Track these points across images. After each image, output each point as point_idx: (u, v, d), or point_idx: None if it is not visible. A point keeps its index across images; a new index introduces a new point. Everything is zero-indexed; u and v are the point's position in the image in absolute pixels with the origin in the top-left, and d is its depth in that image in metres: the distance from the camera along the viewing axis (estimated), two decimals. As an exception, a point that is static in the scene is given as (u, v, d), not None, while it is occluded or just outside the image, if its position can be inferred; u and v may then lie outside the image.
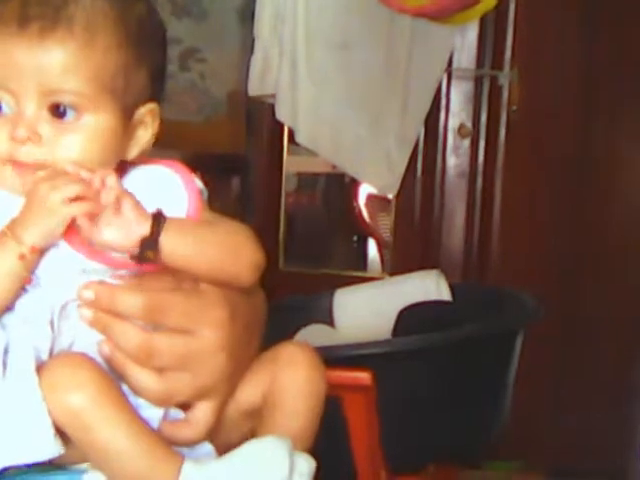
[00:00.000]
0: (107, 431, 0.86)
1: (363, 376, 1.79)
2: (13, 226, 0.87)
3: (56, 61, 0.87)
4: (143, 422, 0.89)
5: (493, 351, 2.06)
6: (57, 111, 0.89)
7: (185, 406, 0.95)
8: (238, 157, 3.34)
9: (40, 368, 0.87)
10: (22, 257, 0.87)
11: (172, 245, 0.89)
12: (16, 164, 0.89)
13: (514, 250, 3.15)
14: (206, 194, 0.98)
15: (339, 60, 3.00)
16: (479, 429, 2.08)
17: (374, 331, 2.19)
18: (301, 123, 3.01)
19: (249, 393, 0.98)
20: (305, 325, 2.26)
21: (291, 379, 0.98)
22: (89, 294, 0.89)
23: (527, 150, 3.16)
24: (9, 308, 0.89)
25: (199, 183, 0.97)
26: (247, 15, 3.19)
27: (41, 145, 0.89)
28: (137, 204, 0.89)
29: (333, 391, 1.79)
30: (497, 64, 3.15)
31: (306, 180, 3.49)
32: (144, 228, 0.88)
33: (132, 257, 0.89)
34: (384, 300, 2.27)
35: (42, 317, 0.89)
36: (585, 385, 3.11)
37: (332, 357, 1.88)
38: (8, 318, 0.89)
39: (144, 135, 0.95)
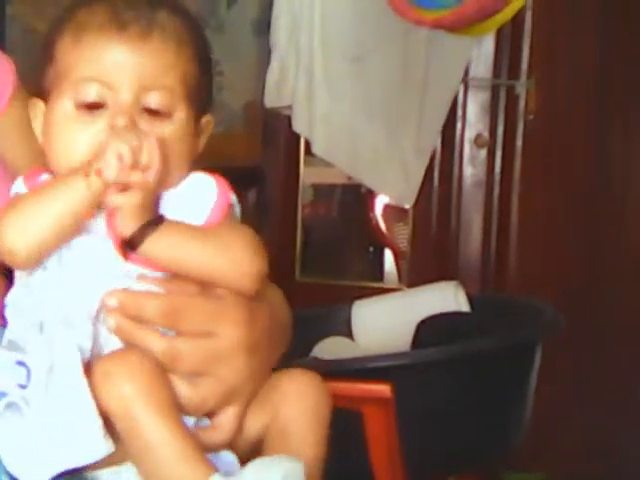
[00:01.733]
0: (152, 425, 0.89)
1: (383, 388, 1.78)
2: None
3: (155, 61, 0.95)
4: (186, 425, 0.91)
5: (512, 362, 2.06)
6: (153, 106, 0.95)
7: (209, 414, 0.96)
8: (255, 168, 3.34)
9: (86, 368, 0.89)
10: (86, 174, 0.91)
11: (155, 249, 0.92)
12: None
13: (532, 259, 3.14)
14: (238, 211, 1.00)
15: (355, 71, 3.00)
16: (499, 440, 2.07)
17: (393, 343, 2.18)
18: (317, 134, 3.01)
19: (255, 423, 0.98)
20: (323, 337, 2.26)
21: (299, 410, 0.98)
22: (113, 302, 0.92)
23: (544, 159, 3.15)
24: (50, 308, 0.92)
25: (233, 198, 0.99)
26: (263, 27, 3.19)
27: (136, 134, 0.93)
28: (136, 207, 0.92)
29: (352, 404, 1.80)
30: (514, 73, 3.14)
31: (322, 191, 3.48)
32: (130, 227, 0.92)
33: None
34: (403, 312, 2.26)
35: (83, 317, 0.92)
36: (606, 395, 3.09)
37: (351, 370, 1.89)
38: (47, 319, 0.92)
39: (201, 143, 1.01)
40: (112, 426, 0.90)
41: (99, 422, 0.88)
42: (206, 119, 1.00)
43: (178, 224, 0.95)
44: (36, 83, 1.03)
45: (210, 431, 0.95)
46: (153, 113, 0.95)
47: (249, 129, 3.39)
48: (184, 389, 0.93)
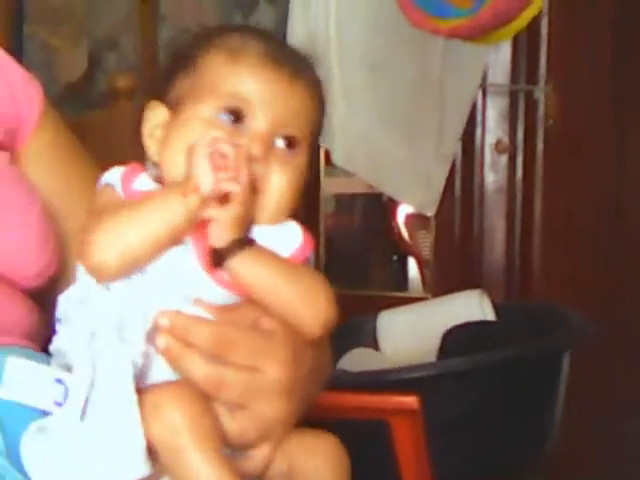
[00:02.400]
0: (197, 457, 0.89)
1: (410, 400, 1.77)
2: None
3: (297, 103, 0.99)
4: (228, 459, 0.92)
5: (540, 370, 2.04)
6: (281, 145, 0.98)
7: (243, 449, 0.97)
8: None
9: (138, 386, 0.90)
10: (184, 194, 0.91)
11: (241, 268, 0.93)
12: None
13: (556, 264, 3.12)
14: (312, 261, 1.01)
15: (373, 80, 3.00)
16: (527, 449, 2.06)
17: (419, 353, 2.18)
18: (337, 144, 3.01)
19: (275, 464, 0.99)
20: (349, 349, 2.25)
21: (323, 465, 0.99)
22: (165, 322, 0.93)
23: (565, 163, 3.13)
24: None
25: (311, 253, 1.01)
26: (279, 38, 3.20)
27: (262, 164, 0.96)
28: (234, 219, 0.93)
29: (380, 416, 1.78)
30: (532, 78, 3.13)
31: (344, 201, 3.48)
32: (222, 240, 0.93)
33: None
34: (428, 322, 2.26)
35: (138, 333, 0.92)
36: (636, 402, 3.07)
37: (378, 382, 1.88)
38: (99, 331, 0.92)
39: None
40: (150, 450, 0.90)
41: (144, 442, 0.88)
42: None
43: (268, 251, 0.96)
44: (157, 86, 1.03)
45: (245, 461, 0.96)
46: (289, 146, 0.99)
47: (268, 141, 3.40)
48: (225, 421, 0.94)
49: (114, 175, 0.98)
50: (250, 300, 0.96)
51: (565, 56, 3.11)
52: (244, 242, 0.94)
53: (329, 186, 3.33)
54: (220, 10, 3.42)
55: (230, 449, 0.95)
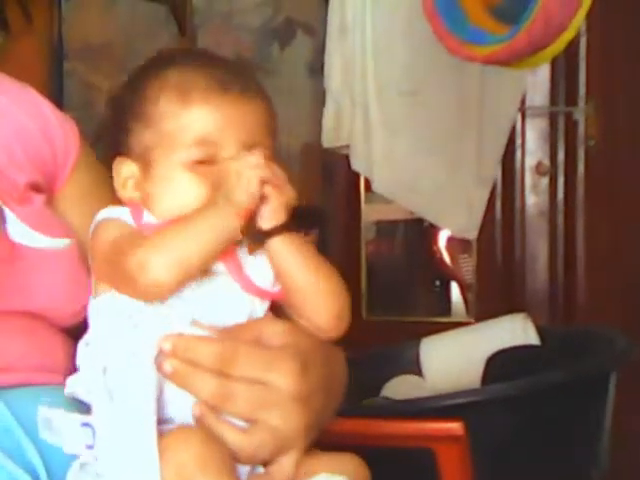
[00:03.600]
0: None
1: (455, 426, 1.76)
2: (221, 196, 0.97)
3: (255, 119, 1.01)
4: None
5: (585, 394, 2.02)
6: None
7: (264, 463, 0.97)
8: (315, 209, 3.35)
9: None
10: (238, 214, 0.96)
11: (281, 249, 0.98)
12: None
13: (601, 287, 3.10)
14: None
15: (411, 107, 3.00)
16: (577, 475, 2.04)
17: (463, 379, 2.16)
18: (377, 172, 3.01)
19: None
20: (393, 376, 2.24)
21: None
22: (167, 346, 0.94)
23: (607, 184, 3.11)
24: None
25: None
26: (317, 68, 3.21)
27: None
28: (281, 203, 0.98)
29: (425, 443, 1.78)
30: (571, 99, 3.12)
31: (385, 228, 3.48)
32: (271, 220, 0.97)
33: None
34: (471, 347, 2.24)
35: (147, 362, 0.94)
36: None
37: (423, 408, 1.87)
38: (110, 364, 0.93)
39: None
40: None
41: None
42: None
43: (303, 240, 1.00)
44: (114, 140, 1.04)
45: (267, 478, 0.97)
46: None
47: (308, 170, 3.41)
48: (238, 438, 0.94)
49: (117, 210, 1.01)
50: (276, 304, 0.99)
51: (604, 76, 3.10)
52: (287, 226, 0.98)
53: (370, 213, 3.33)
54: (257, 42, 3.45)
55: (250, 465, 0.96)
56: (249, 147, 1.00)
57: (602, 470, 2.04)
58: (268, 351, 0.97)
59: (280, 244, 0.98)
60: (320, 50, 3.11)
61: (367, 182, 3.11)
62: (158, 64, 1.04)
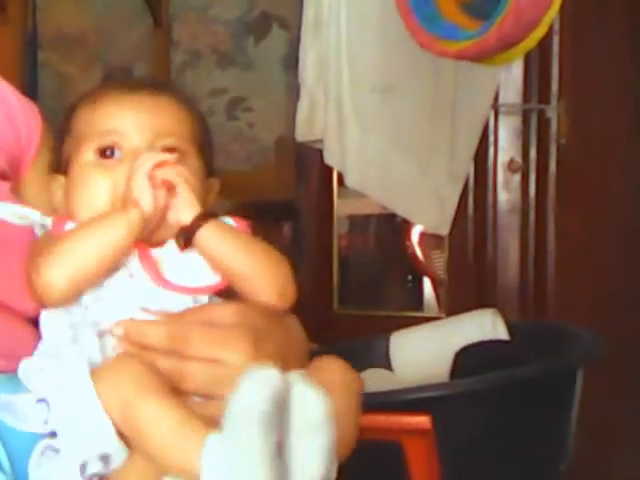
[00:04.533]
0: (145, 404, 0.92)
1: (422, 420, 1.77)
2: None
3: (166, 115, 1.04)
4: (177, 400, 0.93)
5: (552, 390, 2.04)
6: (168, 145, 1.03)
7: None
8: (288, 203, 3.36)
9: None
10: (125, 208, 0.98)
11: (210, 238, 0.99)
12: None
13: (571, 284, 3.12)
14: None
15: (385, 102, 3.01)
16: (542, 469, 2.05)
17: (432, 373, 2.17)
18: (350, 166, 3.02)
19: None
20: (362, 369, 2.25)
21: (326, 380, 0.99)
22: (119, 331, 0.97)
23: (579, 182, 3.13)
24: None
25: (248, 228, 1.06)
26: (291, 62, 3.22)
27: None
28: (191, 195, 1.00)
29: (392, 436, 1.78)
30: (544, 97, 3.13)
31: (358, 222, 3.48)
32: (186, 217, 0.99)
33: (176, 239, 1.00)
34: (440, 342, 2.25)
35: (91, 335, 0.98)
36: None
37: (390, 402, 1.88)
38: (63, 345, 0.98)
39: (209, 200, 1.08)
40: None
41: (108, 421, 0.91)
42: (212, 180, 1.09)
43: (229, 224, 1.02)
44: (54, 161, 1.09)
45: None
46: (169, 151, 1.02)
47: (281, 163, 3.41)
48: (199, 410, 0.96)
49: (48, 220, 1.05)
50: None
51: (577, 74, 3.11)
52: (207, 215, 1.00)
53: (343, 207, 3.34)
54: (233, 35, 3.45)
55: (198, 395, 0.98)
56: (162, 136, 1.03)
57: (568, 465, 2.06)
58: (219, 330, 0.98)
59: (206, 234, 0.99)
60: (295, 44, 3.12)
61: (340, 176, 3.11)
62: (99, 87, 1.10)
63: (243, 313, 1.00)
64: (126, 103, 1.04)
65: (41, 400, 0.94)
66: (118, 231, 0.97)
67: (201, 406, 0.97)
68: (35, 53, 3.37)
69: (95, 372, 0.94)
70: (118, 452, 0.93)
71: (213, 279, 1.02)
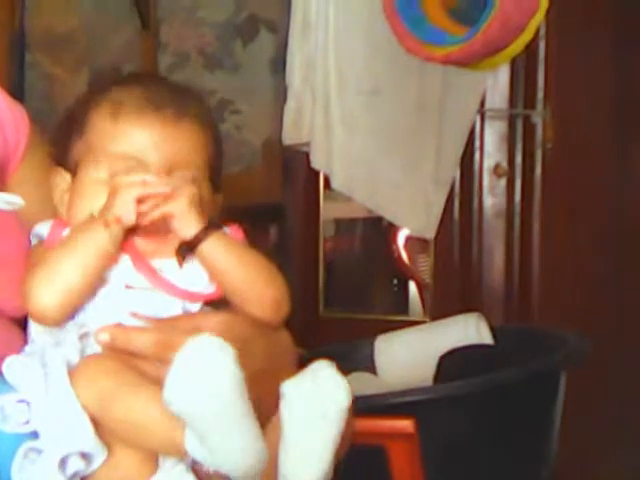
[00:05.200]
0: (124, 396, 0.93)
1: (406, 424, 1.78)
2: (99, 211, 1.00)
3: (186, 141, 1.03)
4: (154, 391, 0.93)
5: (537, 392, 2.04)
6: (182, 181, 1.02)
7: None
8: (275, 205, 3.36)
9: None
10: (107, 224, 0.97)
11: (213, 251, 0.99)
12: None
13: (555, 288, 3.13)
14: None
15: (372, 105, 3.01)
16: (525, 472, 2.06)
17: (416, 377, 2.18)
18: (336, 169, 3.02)
19: None
20: (347, 373, 2.25)
21: None
22: (105, 336, 0.97)
23: (564, 187, 3.14)
24: None
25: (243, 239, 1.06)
26: (279, 65, 3.22)
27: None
28: (194, 212, 1.00)
29: (376, 440, 1.79)
30: (530, 103, 3.14)
31: (344, 225, 3.49)
32: (189, 232, 0.99)
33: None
34: (425, 346, 2.26)
35: (72, 337, 0.98)
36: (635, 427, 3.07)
37: (374, 406, 1.88)
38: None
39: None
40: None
41: (86, 417, 0.92)
42: (218, 197, 1.09)
43: (230, 236, 1.02)
44: (57, 152, 1.08)
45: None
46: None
47: (268, 166, 3.41)
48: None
49: (44, 227, 1.04)
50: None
51: (563, 80, 3.13)
52: (214, 225, 1.01)
53: (329, 210, 3.35)
54: (220, 37, 3.45)
55: None
56: (178, 168, 1.02)
57: (551, 468, 2.07)
58: None
59: (209, 247, 1.00)
60: (282, 47, 3.12)
61: (327, 180, 3.11)
62: (111, 81, 1.07)
63: (230, 323, 1.01)
64: (147, 126, 1.02)
65: (22, 400, 0.94)
66: (101, 249, 0.97)
67: None
68: (23, 54, 3.36)
69: (72, 371, 0.95)
70: (97, 451, 0.93)
71: (209, 288, 1.02)
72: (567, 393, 2.10)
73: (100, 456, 0.94)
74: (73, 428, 0.92)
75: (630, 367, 3.09)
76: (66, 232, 1.02)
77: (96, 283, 0.99)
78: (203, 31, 3.47)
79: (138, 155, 1.01)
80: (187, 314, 1.01)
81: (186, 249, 1.00)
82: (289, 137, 3.01)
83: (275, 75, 3.35)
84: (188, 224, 0.99)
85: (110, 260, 0.99)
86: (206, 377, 0.87)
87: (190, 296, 1.01)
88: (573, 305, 3.08)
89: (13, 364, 0.97)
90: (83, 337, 0.98)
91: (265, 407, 0.98)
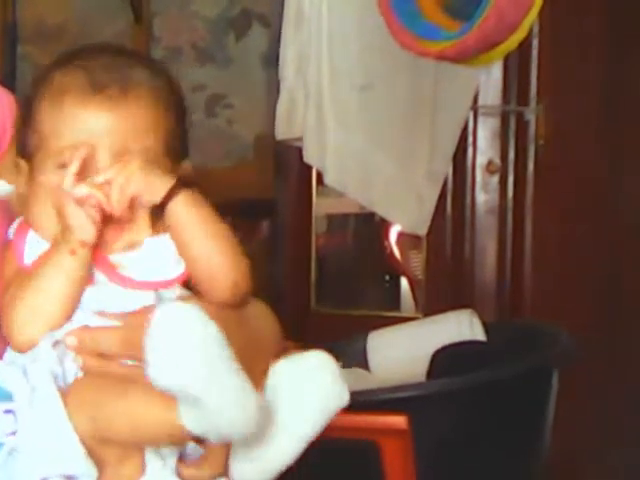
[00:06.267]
0: (115, 402, 0.92)
1: (398, 420, 1.78)
2: (60, 232, 0.96)
3: (132, 123, 0.98)
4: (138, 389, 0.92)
5: (528, 390, 2.04)
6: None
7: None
8: (267, 201, 3.35)
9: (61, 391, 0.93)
10: (73, 252, 0.95)
11: (181, 210, 0.97)
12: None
13: (547, 284, 3.13)
14: None
15: (365, 100, 3.01)
16: (517, 469, 2.06)
17: (409, 373, 2.18)
18: (329, 165, 3.01)
19: None
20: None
21: None
22: (72, 340, 0.95)
23: (556, 184, 3.14)
24: None
25: None
26: (271, 59, 3.21)
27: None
28: (155, 174, 0.97)
29: (369, 436, 1.79)
30: (523, 99, 3.14)
31: (336, 221, 3.49)
32: (158, 194, 0.96)
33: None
34: (418, 342, 2.26)
35: (46, 348, 0.96)
36: (631, 421, 3.07)
37: (367, 402, 1.88)
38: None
39: None
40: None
41: (76, 438, 0.90)
42: (185, 165, 1.04)
43: (201, 198, 0.99)
44: (17, 142, 1.04)
45: (203, 463, 0.97)
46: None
47: (260, 161, 3.41)
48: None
49: (13, 226, 1.02)
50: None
51: (556, 77, 3.12)
52: (178, 186, 0.97)
53: (321, 206, 3.34)
54: (213, 31, 3.44)
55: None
56: (127, 152, 0.97)
57: (543, 465, 2.07)
58: None
59: (177, 207, 0.97)
60: (275, 42, 3.11)
61: (319, 175, 3.11)
62: (52, 66, 1.03)
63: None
64: (92, 112, 0.97)
65: (8, 411, 0.92)
66: (75, 277, 0.95)
67: None
68: (14, 45, 3.35)
69: (63, 395, 0.93)
70: (87, 473, 0.92)
71: (175, 272, 1.00)
72: (557, 392, 2.10)
73: (90, 478, 0.92)
74: (61, 451, 0.90)
75: (621, 365, 3.09)
76: (30, 236, 0.99)
77: (75, 300, 0.97)
78: (196, 25, 3.46)
79: (87, 143, 0.97)
80: (155, 306, 0.97)
81: (158, 212, 0.97)
82: (282, 132, 3.00)
83: (268, 69, 3.34)
84: (153, 189, 0.96)
85: (87, 280, 0.97)
86: (183, 340, 0.86)
87: (151, 285, 0.98)
88: (565, 302, 3.08)
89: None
90: (55, 345, 0.96)
91: None
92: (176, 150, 1.02)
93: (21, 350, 0.96)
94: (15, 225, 1.02)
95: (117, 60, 1.01)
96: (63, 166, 0.97)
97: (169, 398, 0.89)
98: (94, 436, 0.92)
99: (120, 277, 0.98)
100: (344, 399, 0.94)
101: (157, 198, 0.97)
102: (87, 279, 0.97)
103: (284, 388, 0.94)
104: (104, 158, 0.97)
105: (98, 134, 0.97)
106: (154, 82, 1.01)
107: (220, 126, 3.36)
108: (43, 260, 0.97)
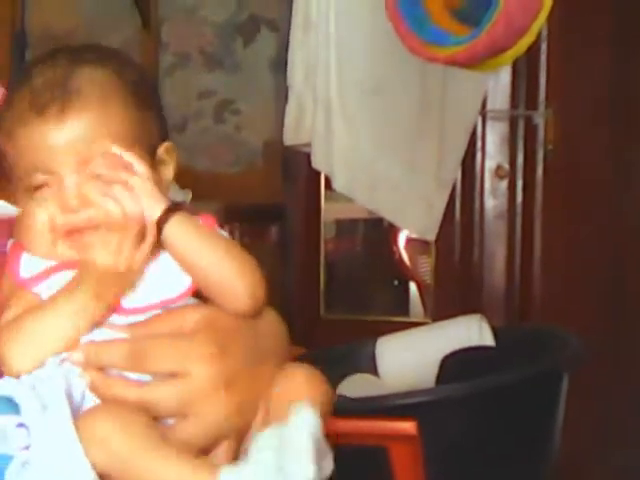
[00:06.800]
0: (137, 451, 0.88)
1: (408, 425, 1.77)
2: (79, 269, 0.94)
3: (82, 132, 0.95)
4: (171, 444, 0.90)
5: (539, 394, 2.04)
6: (101, 171, 0.95)
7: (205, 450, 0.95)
8: (276, 206, 3.35)
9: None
10: (98, 297, 0.93)
11: (178, 232, 0.95)
12: (69, 232, 0.95)
13: (556, 289, 3.13)
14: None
15: (373, 106, 3.01)
16: (527, 474, 2.05)
17: (418, 378, 2.17)
18: (337, 170, 3.01)
19: None
20: (348, 375, 2.25)
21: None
22: (78, 356, 0.93)
23: (565, 188, 3.14)
24: None
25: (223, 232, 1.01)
26: (280, 65, 3.21)
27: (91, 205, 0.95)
28: (153, 188, 0.95)
29: (378, 441, 1.78)
30: (531, 104, 3.14)
31: (345, 226, 3.49)
32: (155, 212, 0.94)
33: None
34: (427, 347, 2.25)
35: (53, 363, 0.93)
36: (635, 423, 3.06)
37: (376, 407, 1.88)
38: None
39: (167, 172, 1.02)
40: None
41: (88, 464, 0.87)
42: (164, 147, 1.01)
43: (197, 219, 0.97)
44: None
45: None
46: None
47: (269, 166, 3.41)
48: (173, 434, 0.92)
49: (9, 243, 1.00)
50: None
51: (564, 81, 3.12)
52: (175, 206, 0.96)
53: (330, 211, 3.34)
54: (221, 37, 3.44)
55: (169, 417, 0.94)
56: (88, 161, 0.94)
57: (553, 469, 2.06)
58: (181, 341, 0.94)
59: (174, 231, 0.95)
60: (283, 47, 3.11)
61: (328, 180, 3.11)
62: (22, 76, 1.00)
63: (210, 316, 0.96)
64: (37, 133, 0.95)
65: (21, 424, 0.90)
66: (85, 307, 0.94)
67: (176, 429, 0.93)
68: (23, 52, 3.36)
69: (78, 423, 0.89)
70: None
71: (182, 286, 0.97)
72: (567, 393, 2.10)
73: None
74: (73, 473, 0.87)
75: (625, 367, 3.09)
76: (24, 258, 0.97)
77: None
78: (204, 30, 3.46)
79: (41, 167, 0.95)
80: (165, 313, 0.96)
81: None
82: (290, 137, 3.00)
83: (276, 75, 3.34)
84: (152, 205, 0.94)
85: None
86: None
87: (157, 307, 0.96)
88: (574, 306, 3.07)
89: (5, 386, 0.93)
90: (62, 362, 0.94)
91: (253, 399, 0.96)
92: (150, 134, 1.00)
93: (12, 376, 0.93)
94: (10, 244, 1.00)
95: (58, 69, 0.98)
96: (30, 190, 0.96)
97: (209, 464, 0.88)
98: (107, 468, 0.89)
99: (123, 310, 0.96)
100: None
101: (153, 217, 0.95)
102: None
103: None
104: (67, 180, 0.95)
105: (51, 156, 0.95)
106: (98, 78, 0.98)
107: (228, 132, 3.36)
108: (58, 297, 0.95)
